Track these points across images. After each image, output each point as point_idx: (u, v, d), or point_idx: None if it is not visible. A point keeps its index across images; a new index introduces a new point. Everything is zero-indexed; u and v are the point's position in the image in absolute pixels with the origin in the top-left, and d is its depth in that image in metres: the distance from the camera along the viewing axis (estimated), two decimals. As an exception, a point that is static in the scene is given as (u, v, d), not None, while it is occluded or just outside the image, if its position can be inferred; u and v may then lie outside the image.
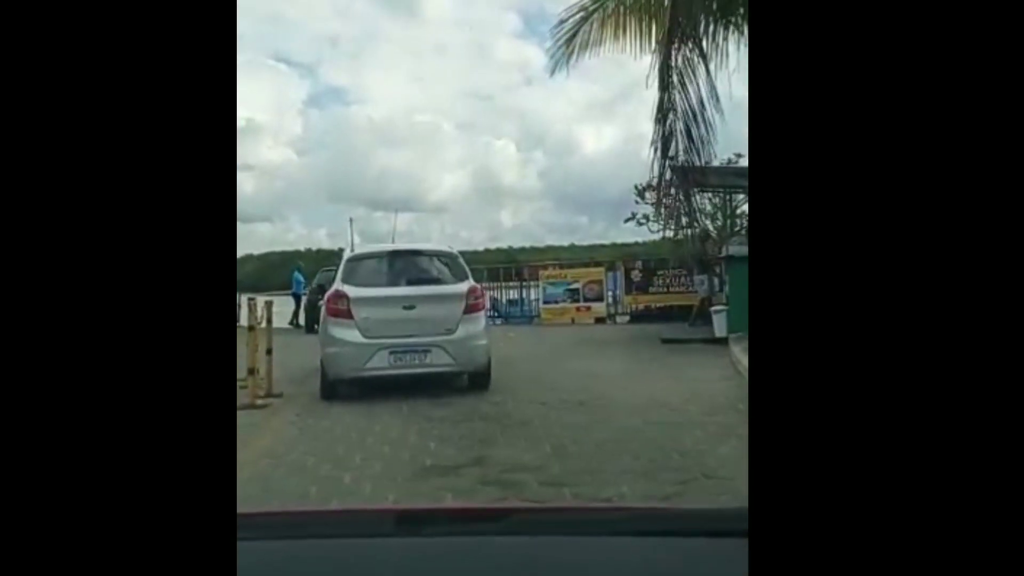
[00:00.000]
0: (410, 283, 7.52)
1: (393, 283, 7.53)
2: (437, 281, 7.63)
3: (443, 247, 8.35)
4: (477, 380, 7.53)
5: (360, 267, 7.69)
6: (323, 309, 7.76)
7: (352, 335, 7.16)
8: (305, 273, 18.91)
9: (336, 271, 8.15)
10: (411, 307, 7.25)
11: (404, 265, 7.73)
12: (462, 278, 7.66)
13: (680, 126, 9.31)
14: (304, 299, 17.17)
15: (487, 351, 7.51)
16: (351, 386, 7.41)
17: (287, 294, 18.81)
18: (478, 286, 8.04)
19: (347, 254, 8.16)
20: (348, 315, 7.20)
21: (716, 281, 13.92)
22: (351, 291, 7.32)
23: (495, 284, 18.62)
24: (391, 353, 7.14)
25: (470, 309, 7.38)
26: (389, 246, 8.44)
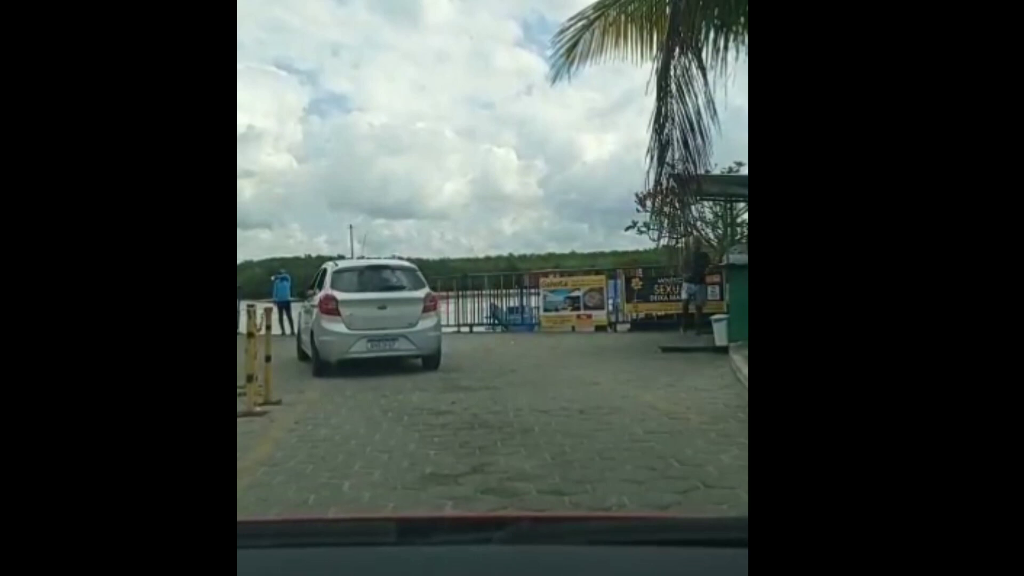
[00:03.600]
0: (382, 289, 9.99)
1: (369, 289, 9.97)
2: (402, 288, 10.09)
3: (405, 262, 11.41)
4: (430, 361, 10.03)
5: (344, 277, 10.12)
6: (316, 309, 9.92)
7: (340, 328, 9.56)
8: (292, 279, 18.47)
9: (319, 280, 10.57)
10: (383, 307, 9.74)
11: (377, 276, 10.30)
12: (420, 286, 10.21)
13: (677, 135, 9.32)
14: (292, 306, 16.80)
15: (439, 340, 10.15)
16: (338, 366, 9.60)
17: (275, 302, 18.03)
18: (432, 292, 10.47)
19: (331, 266, 10.61)
20: (336, 313, 9.59)
21: (706, 290, 13.89)
22: (339, 295, 9.73)
23: (496, 291, 18.62)
24: (369, 341, 9.58)
25: (427, 309, 9.92)
26: (366, 261, 11.35)
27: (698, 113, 9.17)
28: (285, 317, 17.37)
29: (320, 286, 10.27)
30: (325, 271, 10.47)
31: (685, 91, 9.21)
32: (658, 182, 9.72)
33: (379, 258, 11.79)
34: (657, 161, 9.48)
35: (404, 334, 9.65)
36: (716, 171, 16.86)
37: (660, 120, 9.33)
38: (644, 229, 20.47)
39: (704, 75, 9.19)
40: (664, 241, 10.99)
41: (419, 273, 10.57)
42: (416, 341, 9.73)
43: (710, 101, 9.13)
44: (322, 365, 9.68)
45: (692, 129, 9.21)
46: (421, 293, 10.01)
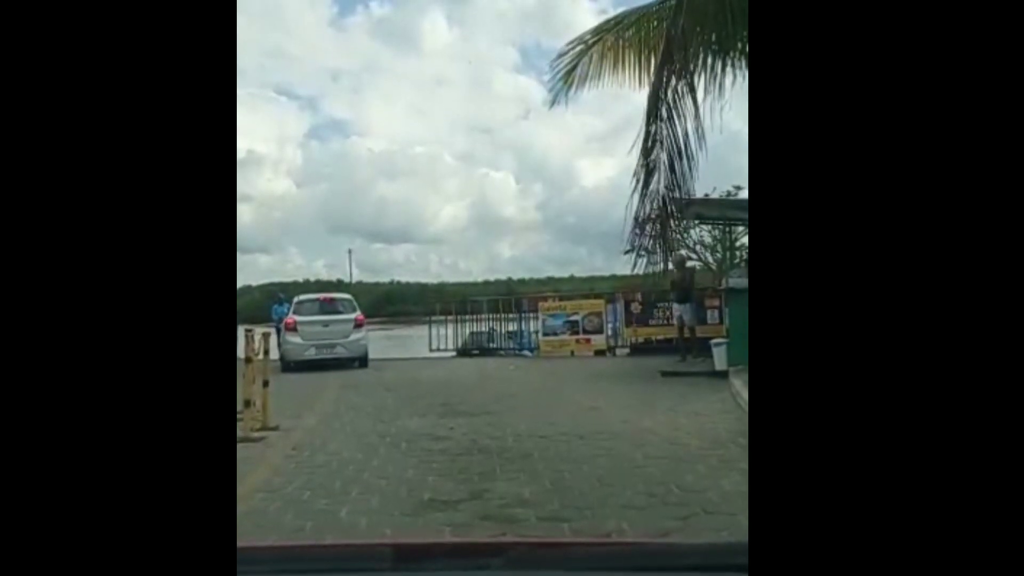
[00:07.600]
0: (326, 313, 15.24)
1: (318, 313, 15.22)
2: (341, 312, 15.36)
3: (345, 295, 17.17)
4: (361, 361, 15.00)
5: (303, 305, 15.57)
6: (282, 328, 15.03)
7: (297, 340, 14.74)
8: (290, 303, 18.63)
9: (287, 307, 16.27)
10: (327, 325, 14.94)
11: (324, 305, 15.68)
12: (354, 311, 15.50)
13: (664, 159, 9.28)
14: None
15: (366, 348, 15.33)
16: (298, 365, 14.23)
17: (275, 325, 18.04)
18: (362, 315, 15.70)
19: (296, 298, 16.28)
20: (295, 330, 14.81)
21: (694, 309, 13.37)
22: (297, 317, 15.07)
23: (494, 316, 18.58)
24: (316, 348, 14.68)
25: (356, 326, 15.19)
26: (317, 295, 17.11)
27: (691, 135, 9.14)
28: None
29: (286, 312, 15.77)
30: (291, 302, 16.12)
31: (675, 117, 9.18)
32: (654, 204, 9.70)
33: (328, 294, 18.24)
34: (642, 185, 9.45)
35: (341, 343, 14.86)
36: (715, 195, 16.90)
37: (648, 144, 9.31)
38: (643, 253, 20.40)
39: (694, 101, 9.17)
40: (644, 268, 10.69)
41: (353, 301, 16.13)
42: (349, 348, 14.91)
43: (699, 127, 9.10)
44: (286, 364, 14.40)
45: (680, 155, 9.15)
46: (353, 315, 15.34)
